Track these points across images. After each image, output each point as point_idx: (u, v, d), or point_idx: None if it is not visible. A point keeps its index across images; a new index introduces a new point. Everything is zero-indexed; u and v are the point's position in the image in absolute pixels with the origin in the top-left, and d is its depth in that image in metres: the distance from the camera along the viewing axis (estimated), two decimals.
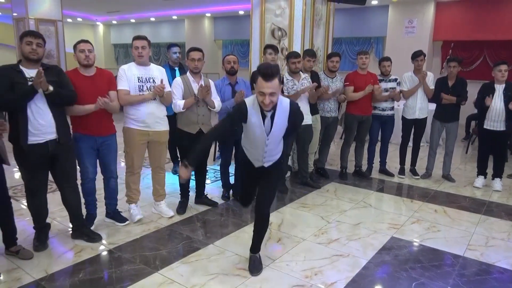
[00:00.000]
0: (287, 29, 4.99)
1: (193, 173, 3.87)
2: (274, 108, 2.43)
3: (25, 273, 2.67)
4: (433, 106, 4.92)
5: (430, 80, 4.80)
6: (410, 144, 5.11)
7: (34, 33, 2.84)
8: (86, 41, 3.10)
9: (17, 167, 2.89)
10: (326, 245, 3.19)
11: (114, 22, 15.92)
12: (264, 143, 2.54)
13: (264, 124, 2.47)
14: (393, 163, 5.41)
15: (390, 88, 4.86)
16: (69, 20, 14.63)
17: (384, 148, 5.18)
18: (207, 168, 4.08)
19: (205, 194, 4.03)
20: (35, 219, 3.01)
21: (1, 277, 2.59)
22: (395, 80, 4.90)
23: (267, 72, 2.27)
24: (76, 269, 2.75)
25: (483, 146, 4.75)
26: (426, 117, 4.93)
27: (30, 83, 2.69)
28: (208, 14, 13.05)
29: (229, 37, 13.35)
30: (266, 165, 2.68)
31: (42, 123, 2.77)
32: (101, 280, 2.62)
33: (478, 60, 9.07)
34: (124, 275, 2.66)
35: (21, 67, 2.76)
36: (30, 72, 2.74)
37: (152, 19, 14.50)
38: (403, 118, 4.98)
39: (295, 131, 2.95)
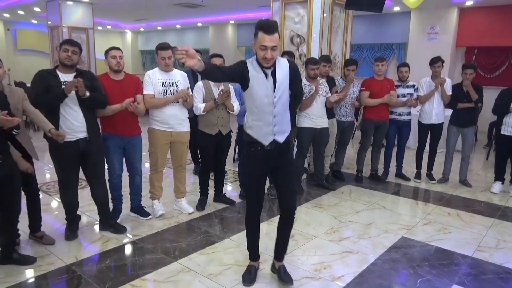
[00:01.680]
0: (305, 36, 5.16)
1: (212, 173, 4.13)
2: (273, 66, 2.36)
3: (58, 259, 2.93)
4: (449, 111, 4.97)
5: (448, 86, 4.86)
6: (427, 149, 5.16)
7: (71, 41, 3.13)
8: (117, 48, 3.38)
9: (51, 164, 3.17)
10: (337, 243, 3.32)
11: (142, 29, 16.51)
12: (272, 103, 2.38)
13: (268, 80, 2.37)
14: (409, 167, 5.47)
15: (407, 94, 4.94)
16: (99, 27, 15.27)
17: (400, 153, 5.25)
18: (226, 169, 4.28)
19: (224, 192, 4.23)
20: (67, 211, 3.29)
21: (37, 262, 2.85)
22: (413, 86, 4.98)
23: (269, 25, 2.23)
24: (102, 256, 3.00)
25: (501, 152, 4.77)
26: (442, 122, 4.98)
27: (63, 87, 2.97)
28: (231, 21, 13.37)
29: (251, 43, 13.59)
30: (278, 138, 2.46)
31: (74, 123, 3.05)
32: (125, 267, 2.85)
33: (502, 66, 8.95)
34: (146, 263, 2.89)
35: (57, 71, 3.05)
36: (65, 77, 3.02)
37: (178, 26, 14.95)
38: (419, 123, 5.04)
39: (299, 98, 2.73)
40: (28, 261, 2.83)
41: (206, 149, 3.90)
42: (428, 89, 4.87)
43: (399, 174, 5.29)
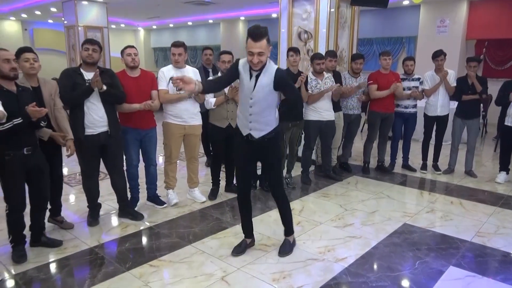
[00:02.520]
0: (312, 32, 5.32)
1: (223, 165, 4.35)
2: (261, 70, 2.57)
3: (82, 242, 3.19)
4: (454, 103, 5.09)
5: (452, 77, 4.97)
6: (433, 142, 5.28)
7: (91, 40, 3.36)
8: (132, 46, 3.61)
9: (71, 159, 3.42)
10: (341, 228, 3.50)
11: (154, 27, 16.79)
12: (248, 102, 2.64)
13: (250, 81, 2.61)
14: (416, 159, 5.59)
15: (413, 87, 5.06)
16: (113, 26, 15.61)
17: (406, 145, 5.38)
18: None
19: (234, 183, 4.44)
20: (89, 199, 3.54)
21: (63, 244, 3.11)
22: (418, 79, 5.10)
23: (256, 32, 2.43)
24: (122, 240, 3.24)
25: (505, 143, 4.86)
26: (448, 114, 5.09)
27: (87, 84, 3.21)
28: (242, 18, 13.54)
29: None
30: (253, 133, 2.72)
31: (96, 118, 3.29)
32: (143, 249, 3.09)
33: None
34: (162, 246, 3.12)
35: (81, 70, 3.29)
36: (88, 75, 3.26)
37: (189, 23, 15.18)
38: (425, 115, 5.17)
39: (291, 101, 3.09)
40: (55, 243, 3.09)
41: (217, 141, 4.11)
42: (432, 82, 4.99)
43: (406, 165, 5.43)
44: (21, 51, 2.98)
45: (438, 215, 3.84)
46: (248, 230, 3.10)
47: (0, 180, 2.72)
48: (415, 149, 5.66)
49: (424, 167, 5.32)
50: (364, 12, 8.45)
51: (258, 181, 4.60)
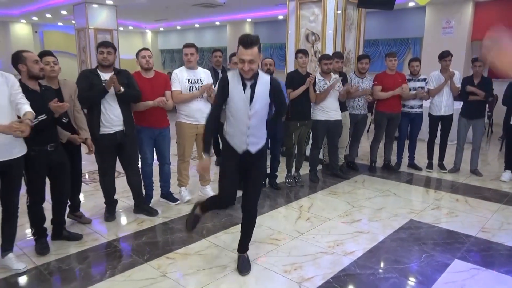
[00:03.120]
0: (320, 34, 5.44)
1: None
2: (255, 79, 2.50)
3: (100, 236, 3.33)
4: (459, 104, 5.18)
5: (457, 78, 5.06)
6: (438, 141, 5.37)
7: (105, 43, 3.51)
8: (147, 49, 3.76)
9: (86, 158, 3.57)
10: (349, 224, 3.62)
11: (162, 29, 17.00)
12: (247, 115, 2.51)
13: (245, 93, 2.50)
14: (422, 158, 5.68)
15: (418, 87, 5.16)
16: (121, 28, 15.83)
17: (412, 144, 5.47)
18: None
19: None
20: (105, 195, 3.69)
21: (83, 238, 3.25)
22: (424, 79, 5.20)
23: (247, 40, 2.37)
24: (139, 234, 3.38)
25: (510, 142, 4.95)
26: (452, 114, 5.19)
27: (103, 84, 3.35)
28: (249, 20, 13.70)
29: (269, 41, 13.89)
30: (251, 148, 2.59)
31: (112, 117, 3.43)
32: (159, 243, 3.23)
33: None
34: (178, 240, 3.25)
35: (98, 71, 3.43)
36: (105, 76, 3.40)
37: (197, 25, 15.36)
38: (430, 115, 5.27)
39: (281, 112, 2.89)
40: (76, 237, 3.24)
41: None
42: (438, 82, 5.09)
43: (412, 164, 5.52)
44: (42, 54, 3.13)
45: (444, 212, 3.94)
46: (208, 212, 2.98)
47: (25, 174, 2.86)
48: (421, 148, 5.75)
49: (430, 166, 5.41)
50: (370, 13, 8.54)
51: (267, 179, 4.72)
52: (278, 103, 2.75)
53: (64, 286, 2.60)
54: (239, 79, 2.51)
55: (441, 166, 5.38)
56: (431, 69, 5.30)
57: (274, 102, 2.68)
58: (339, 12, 5.27)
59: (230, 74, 2.55)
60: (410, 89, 5.12)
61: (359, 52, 5.86)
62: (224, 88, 2.53)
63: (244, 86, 2.51)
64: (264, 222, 3.63)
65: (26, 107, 2.62)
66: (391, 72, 5.13)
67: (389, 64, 5.09)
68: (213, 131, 2.71)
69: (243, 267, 2.79)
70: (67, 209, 3.38)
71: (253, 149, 2.62)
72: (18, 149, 2.67)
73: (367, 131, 7.55)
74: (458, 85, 5.03)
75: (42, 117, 2.75)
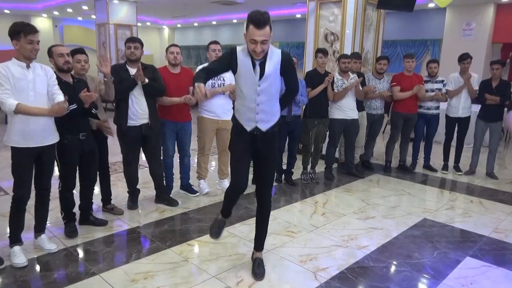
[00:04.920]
0: (339, 34, 5.52)
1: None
2: (264, 58, 2.37)
3: (124, 223, 3.50)
4: (476, 107, 5.21)
5: (475, 81, 5.09)
6: (454, 143, 5.40)
7: (132, 38, 3.67)
8: (176, 45, 3.91)
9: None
10: (363, 220, 3.71)
11: (179, 25, 17.22)
12: (256, 91, 2.40)
13: (254, 70, 2.37)
14: (437, 160, 5.71)
15: (436, 89, 5.20)
16: (139, 24, 16.08)
17: (428, 145, 5.51)
18: None
19: None
20: (129, 184, 3.85)
21: (108, 224, 3.42)
22: (442, 81, 5.24)
23: (259, 19, 2.19)
24: (160, 222, 3.54)
25: None
26: (469, 116, 5.22)
27: (132, 78, 3.51)
28: None
29: (285, 39, 13.99)
30: (260, 126, 2.46)
31: (138, 111, 3.58)
32: (181, 231, 3.38)
33: None
34: (198, 229, 3.40)
35: (127, 66, 3.60)
36: (133, 71, 3.56)
37: (214, 22, 15.52)
38: (447, 116, 5.30)
39: (292, 91, 2.66)
40: (101, 223, 3.41)
41: None
42: (457, 84, 5.12)
43: (427, 165, 5.56)
44: (75, 52, 3.30)
45: (458, 212, 4.00)
46: (230, 212, 2.76)
47: (58, 160, 3.04)
48: (437, 150, 5.79)
49: (445, 167, 5.45)
50: (389, 14, 8.55)
51: (283, 175, 4.83)
52: (288, 80, 2.55)
53: (93, 266, 2.76)
54: (248, 56, 2.36)
55: (457, 168, 5.42)
56: (450, 71, 5.33)
57: (284, 77, 2.51)
58: (358, 13, 5.34)
59: (239, 49, 2.39)
60: (427, 91, 5.16)
61: (378, 53, 5.92)
62: (231, 62, 2.39)
63: (254, 64, 2.37)
64: (280, 216, 3.75)
65: (60, 97, 2.78)
66: (408, 74, 5.18)
67: (407, 65, 5.15)
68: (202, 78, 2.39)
69: (259, 271, 2.68)
70: (101, 203, 3.58)
71: (263, 126, 2.48)
72: (52, 137, 2.84)
73: (383, 132, 7.59)
74: (476, 87, 5.05)
75: (73, 106, 2.91)
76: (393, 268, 2.87)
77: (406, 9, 5.51)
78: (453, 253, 3.10)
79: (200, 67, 2.76)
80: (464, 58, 5.06)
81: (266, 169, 2.61)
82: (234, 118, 2.57)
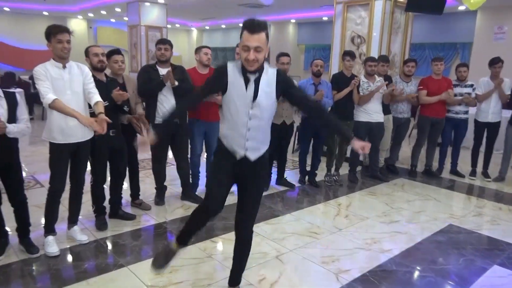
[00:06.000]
0: (366, 37, 5.50)
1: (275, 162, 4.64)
2: (259, 72, 2.08)
3: (151, 218, 3.62)
4: (508, 112, 5.07)
5: (507, 86, 4.96)
6: (483, 149, 5.27)
7: (162, 40, 3.80)
8: (208, 47, 4.00)
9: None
10: (387, 224, 3.69)
11: (207, 27, 17.48)
12: (247, 115, 2.09)
13: (247, 89, 2.07)
14: (465, 166, 5.59)
15: (465, 93, 5.10)
16: (169, 26, 16.42)
17: (456, 150, 5.40)
18: (287, 158, 4.79)
19: (285, 177, 4.73)
20: (157, 181, 3.97)
21: (136, 219, 3.55)
22: (471, 86, 5.13)
23: (253, 24, 1.97)
24: (185, 219, 3.53)
25: None
26: (499, 122, 5.08)
27: (160, 78, 3.63)
28: (293, 20, 13.82)
29: (311, 41, 13.97)
30: (249, 154, 2.16)
31: (167, 109, 3.69)
32: (205, 228, 3.41)
33: None
34: (221, 227, 3.47)
35: (157, 66, 3.72)
36: (162, 71, 3.68)
37: (241, 24, 15.56)
38: (476, 121, 5.19)
39: (314, 109, 2.27)
40: (130, 217, 3.54)
41: (271, 136, 4.40)
42: (487, 89, 5.00)
43: (454, 171, 5.45)
44: (111, 53, 3.45)
45: (485, 219, 3.92)
46: (189, 239, 2.46)
47: (90, 156, 3.18)
48: (465, 156, 5.67)
49: (473, 173, 5.33)
50: (418, 16, 8.41)
51: (306, 177, 4.85)
52: (296, 99, 2.21)
53: (121, 259, 2.88)
54: (240, 72, 2.07)
55: (485, 174, 5.29)
56: (480, 75, 5.21)
57: (291, 100, 2.22)
58: (386, 15, 5.30)
59: (230, 66, 2.11)
60: (455, 95, 5.07)
61: (405, 55, 5.85)
62: (220, 80, 2.09)
63: (247, 81, 2.07)
64: (303, 217, 3.78)
65: (96, 96, 2.90)
66: (436, 77, 5.11)
67: (435, 69, 5.07)
68: (177, 116, 2.37)
69: None
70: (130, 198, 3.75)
71: (252, 155, 2.18)
72: (87, 133, 2.98)
73: (409, 136, 7.47)
74: (508, 92, 4.93)
75: (105, 103, 3.04)
76: (416, 273, 2.85)
77: (436, 12, 5.44)
78: (480, 261, 3.04)
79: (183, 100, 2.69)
80: (496, 62, 4.94)
81: (248, 198, 2.29)
82: (219, 142, 2.25)
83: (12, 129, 2.64)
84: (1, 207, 2.84)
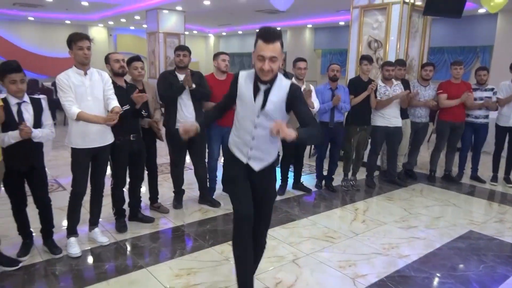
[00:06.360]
0: (382, 41, 5.48)
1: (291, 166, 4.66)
2: (271, 83, 2.07)
3: (170, 221, 3.68)
4: None
5: None
6: (505, 154, 5.16)
7: (181, 47, 3.87)
8: (227, 54, 4.06)
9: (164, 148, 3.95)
10: (405, 229, 3.65)
11: (224, 33, 17.65)
12: (253, 122, 2.10)
13: (255, 99, 2.08)
14: (486, 171, 5.48)
15: (485, 97, 5.01)
16: (186, 32, 16.67)
17: (476, 155, 5.31)
18: (303, 163, 4.80)
19: (302, 181, 4.74)
20: (175, 184, 4.03)
21: (155, 221, 3.61)
22: (491, 89, 5.04)
23: (269, 33, 1.96)
24: (203, 222, 3.68)
25: None
26: None
27: (180, 83, 3.70)
28: (309, 25, 13.84)
29: (328, 46, 13.95)
30: (252, 164, 2.17)
31: (186, 114, 3.76)
32: (222, 231, 3.50)
33: None
34: None
35: (176, 72, 3.80)
36: (181, 77, 3.75)
37: (257, 30, 15.73)
38: (497, 126, 5.09)
39: (309, 124, 2.09)
40: (149, 220, 3.61)
41: (288, 142, 4.42)
42: (508, 92, 4.91)
43: (474, 176, 5.35)
44: (131, 60, 3.56)
45: (507, 226, 3.83)
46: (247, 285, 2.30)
47: (111, 160, 3.27)
48: (485, 161, 5.56)
49: (494, 179, 5.22)
50: (436, 20, 8.32)
51: (323, 181, 4.84)
52: (299, 114, 2.10)
53: (140, 260, 2.94)
54: (251, 80, 2.10)
55: (507, 180, 5.17)
56: (501, 79, 5.12)
57: (294, 112, 2.12)
58: (403, 19, 5.27)
59: (242, 74, 2.15)
60: (475, 99, 4.99)
61: (423, 59, 5.80)
62: (233, 88, 2.17)
63: (256, 90, 2.09)
64: (320, 221, 3.78)
65: (114, 102, 2.99)
66: (456, 81, 5.04)
67: (454, 73, 5.01)
68: (212, 118, 2.46)
69: None
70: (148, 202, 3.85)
71: (256, 166, 2.18)
72: (107, 138, 3.07)
73: (428, 141, 7.38)
74: None
75: (126, 107, 3.13)
76: (436, 280, 2.82)
77: (454, 16, 5.38)
78: (501, 268, 2.98)
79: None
80: None
81: (260, 209, 2.26)
82: (228, 150, 2.29)
83: (37, 134, 2.74)
84: (26, 209, 2.95)
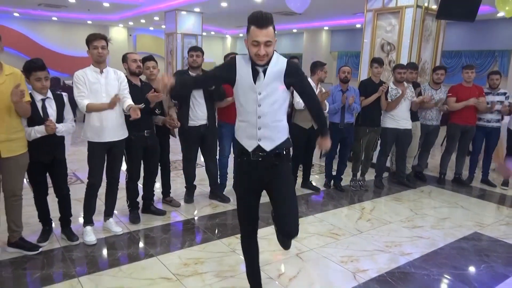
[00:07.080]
0: (395, 44, 5.53)
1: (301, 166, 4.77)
2: (268, 64, 2.08)
3: (180, 214, 3.84)
4: None
5: None
6: None
7: (194, 47, 4.03)
8: (237, 54, 4.19)
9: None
10: (410, 229, 3.72)
11: (241, 35, 17.83)
12: (256, 100, 2.09)
13: (255, 81, 2.08)
14: (497, 175, 5.46)
15: (497, 101, 5.02)
16: (204, 33, 16.92)
17: (487, 159, 5.30)
18: (313, 163, 4.89)
19: (310, 180, 4.84)
20: (187, 180, 4.19)
21: (166, 214, 3.78)
22: (504, 94, 5.04)
23: (261, 18, 1.95)
24: (213, 216, 3.83)
25: None
26: None
27: None
28: (326, 28, 13.88)
29: (344, 48, 13.97)
30: (263, 144, 2.13)
31: (198, 112, 3.91)
32: (231, 225, 3.63)
33: None
34: None
35: (189, 72, 3.95)
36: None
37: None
38: (509, 130, 5.07)
39: (312, 102, 2.27)
40: (161, 213, 3.78)
41: (299, 141, 4.52)
42: None
43: (485, 180, 5.35)
44: (145, 59, 3.73)
45: None
46: (255, 282, 2.45)
47: (126, 155, 3.44)
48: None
49: (505, 183, 5.21)
50: (454, 23, 8.28)
51: (332, 181, 4.93)
52: (300, 91, 2.22)
53: (151, 249, 3.10)
54: (249, 63, 2.09)
55: None
56: None
57: (296, 90, 2.24)
58: (417, 23, 5.31)
59: (239, 59, 2.14)
60: (488, 103, 4.99)
61: (436, 63, 5.82)
62: (229, 70, 2.13)
63: (255, 73, 2.09)
64: (327, 219, 3.87)
65: (129, 101, 3.18)
66: (467, 85, 5.05)
67: (465, 76, 5.03)
68: (186, 85, 2.46)
69: None
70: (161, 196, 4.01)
71: (267, 145, 2.14)
72: (121, 133, 3.24)
73: (441, 145, 7.36)
74: None
75: (141, 105, 3.29)
76: (435, 277, 2.88)
77: (468, 19, 5.39)
78: (502, 268, 3.02)
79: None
80: None
81: (281, 198, 2.22)
82: (236, 142, 2.26)
83: (60, 128, 2.94)
84: (47, 198, 3.15)
